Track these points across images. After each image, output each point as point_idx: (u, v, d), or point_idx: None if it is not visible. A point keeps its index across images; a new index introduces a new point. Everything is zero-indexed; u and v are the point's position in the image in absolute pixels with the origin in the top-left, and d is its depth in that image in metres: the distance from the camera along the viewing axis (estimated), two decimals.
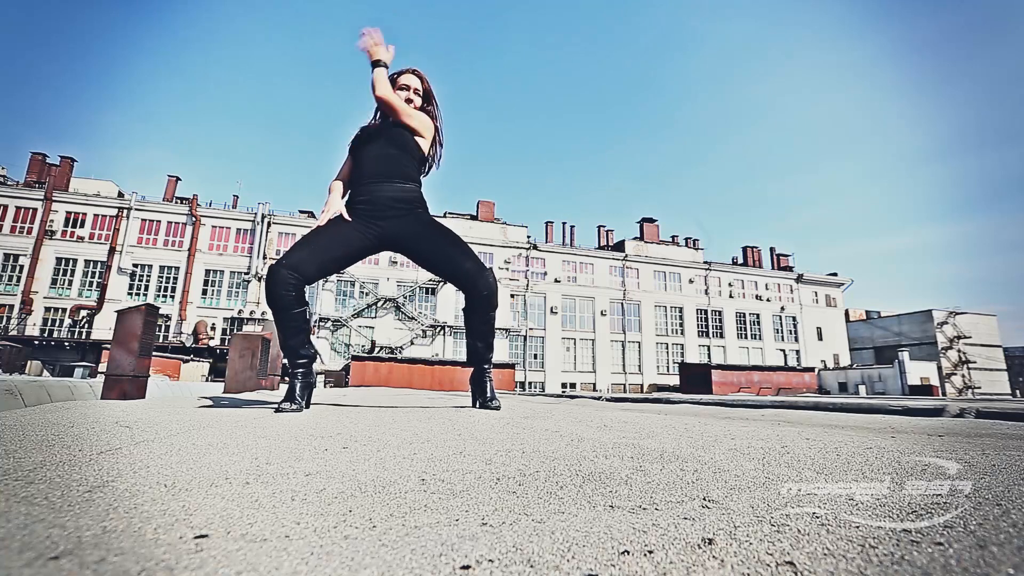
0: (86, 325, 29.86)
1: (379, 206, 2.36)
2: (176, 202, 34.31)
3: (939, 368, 42.62)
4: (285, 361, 2.37)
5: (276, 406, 2.28)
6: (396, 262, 34.31)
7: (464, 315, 2.51)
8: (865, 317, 55.91)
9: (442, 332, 35.10)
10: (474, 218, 38.75)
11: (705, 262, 43.54)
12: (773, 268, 47.15)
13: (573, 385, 37.07)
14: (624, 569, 0.45)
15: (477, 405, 2.57)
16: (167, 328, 30.69)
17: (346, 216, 2.37)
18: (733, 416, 2.49)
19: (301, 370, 2.31)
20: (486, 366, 2.56)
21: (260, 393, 5.07)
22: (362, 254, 2.40)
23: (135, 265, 31.30)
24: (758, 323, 44.06)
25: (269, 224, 33.77)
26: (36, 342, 27.31)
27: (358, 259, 2.41)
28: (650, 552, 0.49)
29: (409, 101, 2.51)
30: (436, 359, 26.13)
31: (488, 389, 2.54)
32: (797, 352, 44.28)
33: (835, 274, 47.56)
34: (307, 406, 2.33)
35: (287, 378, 2.42)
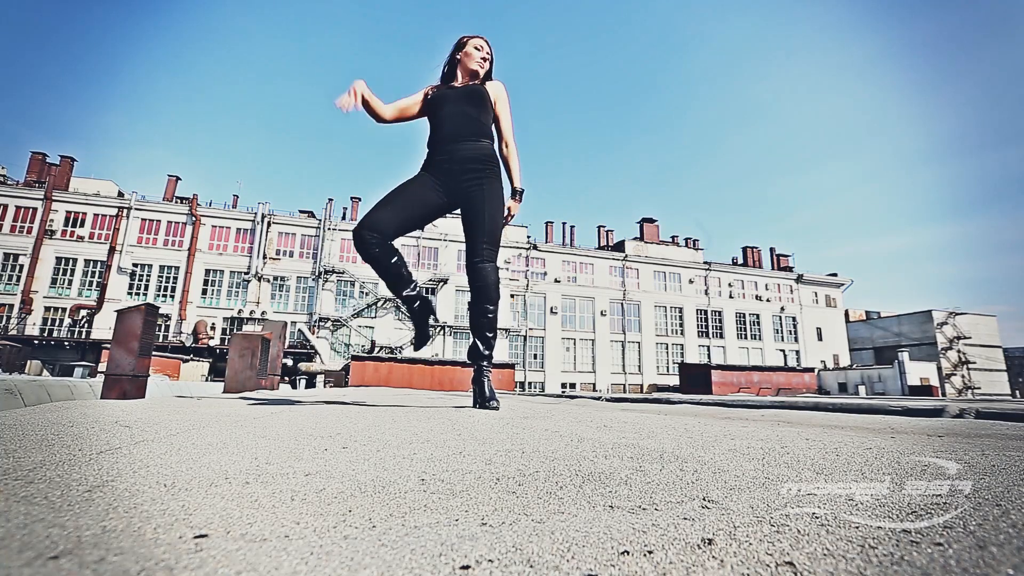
0: (86, 325, 29.85)
1: (457, 165, 2.48)
2: (176, 202, 34.31)
3: (939, 368, 42.63)
4: (401, 297, 2.60)
5: (414, 340, 2.65)
6: None
7: (468, 308, 2.60)
8: (865, 317, 55.92)
9: (442, 332, 35.10)
10: None
11: (705, 262, 43.54)
12: (773, 268, 47.17)
13: (573, 385, 37.07)
14: (624, 569, 0.45)
15: (476, 405, 2.57)
16: (167, 328, 30.69)
17: (366, 95, 2.42)
18: (733, 416, 2.49)
19: (416, 305, 2.57)
20: (484, 364, 2.56)
21: (260, 393, 5.07)
22: (438, 213, 2.54)
23: (135, 265, 31.30)
24: (758, 323, 44.07)
25: (269, 224, 33.76)
26: (36, 342, 27.31)
27: (435, 218, 2.56)
28: (650, 552, 0.49)
29: (485, 58, 2.64)
30: (436, 359, 26.12)
31: (487, 389, 2.54)
32: (797, 352, 44.28)
33: (835, 274, 47.59)
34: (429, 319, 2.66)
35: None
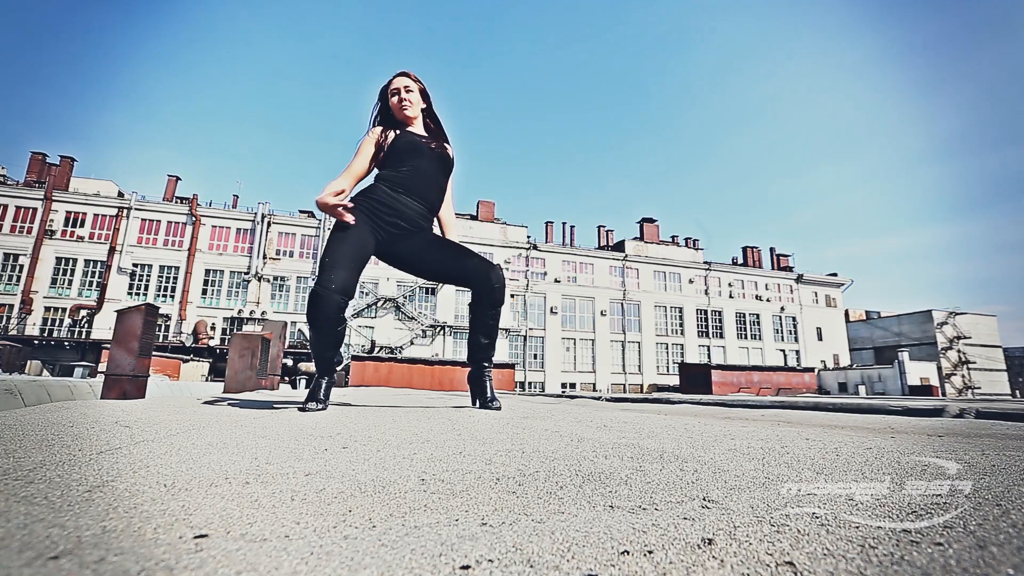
0: (86, 325, 29.85)
1: (396, 216, 2.35)
2: (176, 202, 34.31)
3: (939, 368, 42.63)
4: (314, 368, 2.42)
5: (300, 405, 2.30)
6: None
7: (470, 310, 2.49)
8: (865, 317, 55.92)
9: (442, 332, 35.10)
10: (474, 218, 38.76)
11: (705, 262, 43.54)
12: (773, 268, 47.16)
13: (573, 385, 37.07)
14: (624, 569, 0.45)
15: (477, 405, 2.56)
16: (167, 328, 30.68)
17: (347, 216, 2.26)
18: (733, 416, 2.49)
19: (332, 379, 2.39)
20: (486, 365, 2.54)
21: (261, 393, 5.07)
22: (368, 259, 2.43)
23: (135, 265, 31.30)
24: (758, 323, 44.06)
25: (269, 224, 33.76)
26: (36, 342, 27.30)
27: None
28: (650, 552, 0.49)
29: (402, 101, 2.46)
30: (436, 359, 26.11)
31: (488, 389, 2.53)
32: (797, 352, 44.28)
33: (835, 274, 47.58)
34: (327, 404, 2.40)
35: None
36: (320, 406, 2.25)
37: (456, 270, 2.43)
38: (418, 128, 2.54)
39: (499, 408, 2.47)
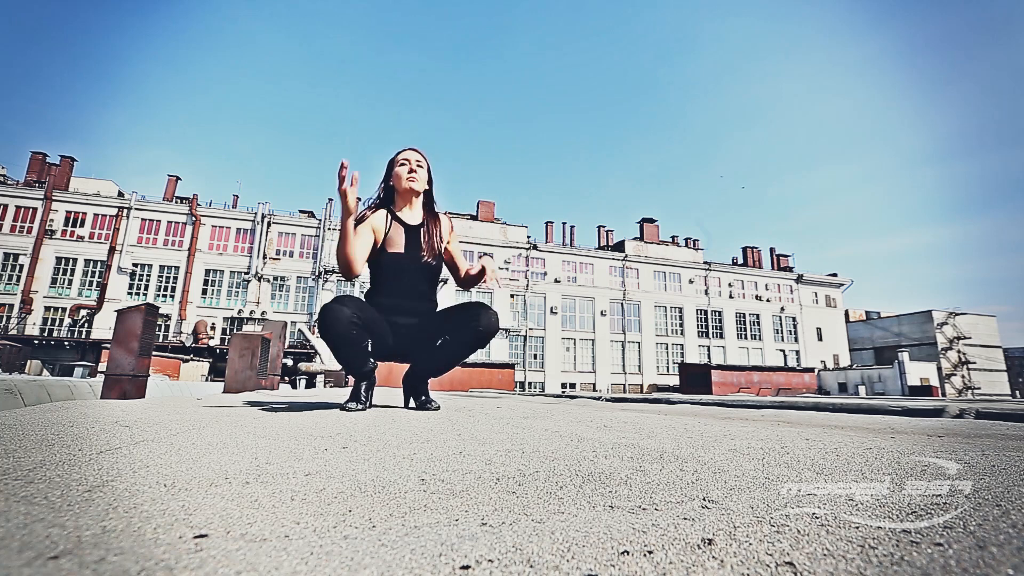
0: (86, 325, 29.84)
1: (402, 321, 2.41)
2: (176, 202, 34.30)
3: (939, 369, 42.64)
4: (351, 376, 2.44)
5: (342, 404, 2.38)
6: None
7: (452, 334, 2.37)
8: (865, 318, 55.92)
9: None
10: (474, 218, 38.75)
11: (705, 262, 43.54)
12: (773, 268, 47.17)
13: (573, 385, 37.06)
14: (624, 569, 0.45)
15: (412, 406, 2.60)
16: (167, 328, 30.68)
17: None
18: (733, 416, 2.49)
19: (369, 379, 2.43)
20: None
21: (260, 393, 5.07)
22: None
23: (135, 265, 31.29)
24: (758, 323, 44.06)
25: (269, 224, 33.76)
26: (36, 341, 27.30)
27: None
28: (650, 552, 0.49)
29: (412, 171, 2.43)
30: None
31: (426, 392, 2.59)
32: (797, 352, 44.28)
33: (835, 274, 47.60)
34: (370, 404, 2.49)
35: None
36: (361, 406, 2.32)
37: (456, 320, 2.37)
38: (416, 208, 2.50)
39: (438, 409, 2.49)
